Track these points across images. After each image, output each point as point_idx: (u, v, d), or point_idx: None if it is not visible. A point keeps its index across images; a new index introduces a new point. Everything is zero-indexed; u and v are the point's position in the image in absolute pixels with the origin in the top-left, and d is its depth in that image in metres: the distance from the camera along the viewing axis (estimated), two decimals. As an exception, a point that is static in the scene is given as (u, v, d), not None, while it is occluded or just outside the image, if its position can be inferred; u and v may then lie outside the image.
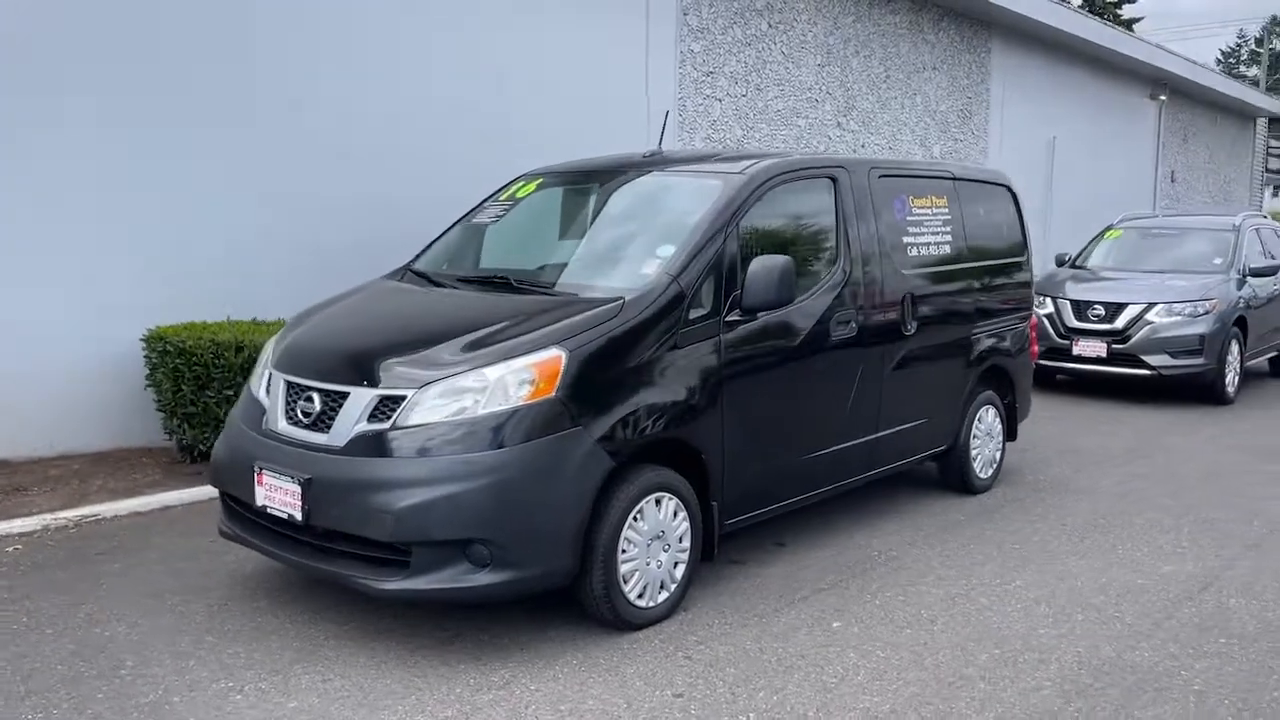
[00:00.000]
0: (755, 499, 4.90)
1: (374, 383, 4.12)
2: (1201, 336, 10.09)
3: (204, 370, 6.53)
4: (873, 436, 5.67)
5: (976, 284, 6.48)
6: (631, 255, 4.87)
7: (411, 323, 4.65)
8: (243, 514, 4.53)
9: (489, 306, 4.59)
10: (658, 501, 4.35)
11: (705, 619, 4.49)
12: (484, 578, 3.90)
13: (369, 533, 3.93)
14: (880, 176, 5.77)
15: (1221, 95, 23.57)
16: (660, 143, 5.69)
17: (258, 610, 4.53)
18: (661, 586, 4.41)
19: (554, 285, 4.72)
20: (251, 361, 6.50)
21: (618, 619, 4.26)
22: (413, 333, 4.50)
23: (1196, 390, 10.38)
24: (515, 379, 4.00)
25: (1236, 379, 10.65)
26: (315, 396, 4.25)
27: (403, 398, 4.04)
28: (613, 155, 5.85)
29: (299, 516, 4.09)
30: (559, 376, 4.04)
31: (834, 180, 5.40)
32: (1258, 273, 11.15)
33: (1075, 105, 18.53)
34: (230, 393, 6.46)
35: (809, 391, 5.13)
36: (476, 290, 4.87)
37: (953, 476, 6.58)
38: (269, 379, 4.58)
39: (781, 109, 12.45)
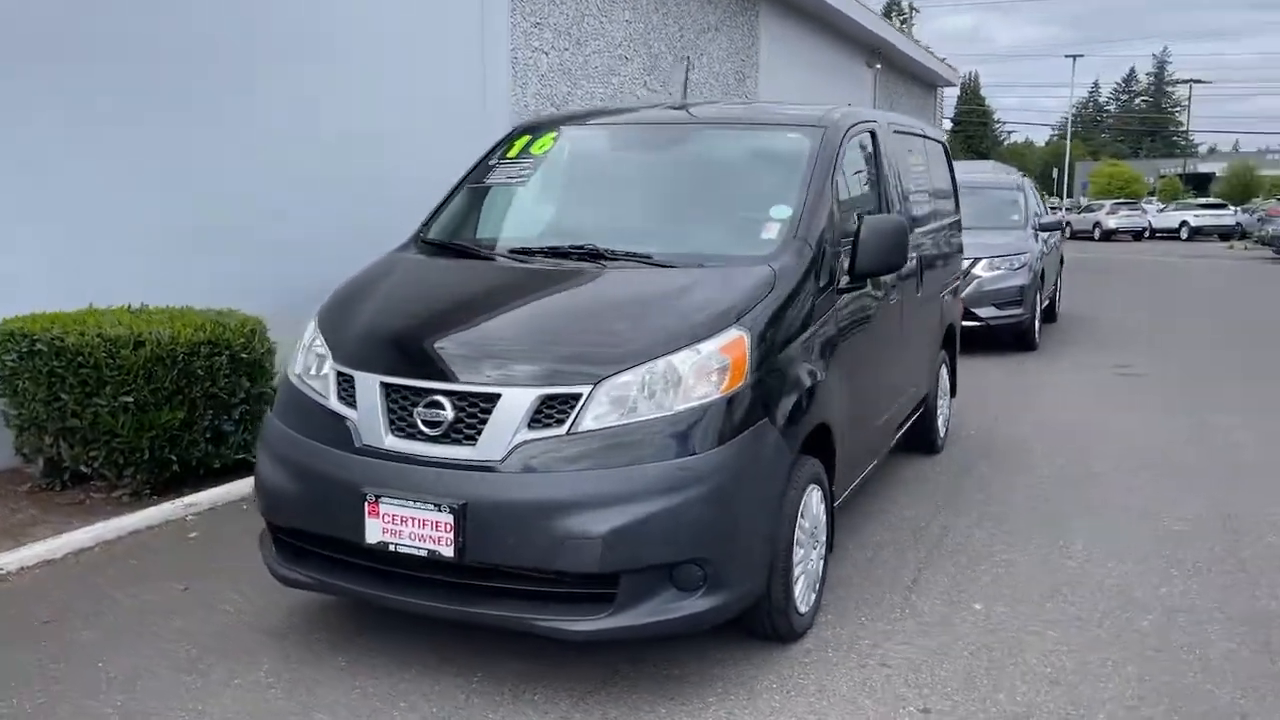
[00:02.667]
0: (845, 478, 4.55)
1: (533, 380, 3.35)
2: (1021, 288, 10.81)
3: (93, 372, 5.20)
4: (899, 402, 5.51)
5: (944, 244, 6.45)
6: (739, 218, 4.32)
7: (539, 307, 3.84)
8: (325, 555, 3.58)
9: (616, 284, 3.89)
10: (810, 494, 3.90)
11: (843, 618, 4.10)
12: (696, 604, 3.29)
13: (564, 565, 3.19)
14: (895, 132, 5.55)
15: (916, 64, 25.57)
16: (684, 93, 5.11)
17: (349, 675, 3.61)
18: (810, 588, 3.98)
19: (655, 256, 4.03)
20: (156, 360, 5.27)
21: (790, 631, 3.79)
22: (551, 318, 3.72)
23: (1012, 339, 11.11)
24: (707, 367, 3.39)
25: (1039, 326, 11.53)
26: (445, 401, 3.39)
27: (575, 396, 3.30)
28: (638, 108, 5.22)
29: (448, 553, 3.26)
30: (746, 360, 3.47)
31: (873, 135, 5.09)
32: (1045, 227, 12.11)
33: (819, 72, 19.36)
34: (129, 398, 5.20)
35: (875, 359, 4.85)
36: (578, 266, 4.05)
37: (920, 438, 6.54)
38: (339, 381, 3.63)
39: (599, 65, 11.95)
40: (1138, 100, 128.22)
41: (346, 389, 3.61)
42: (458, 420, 3.37)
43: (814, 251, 4.00)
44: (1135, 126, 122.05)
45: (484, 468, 3.29)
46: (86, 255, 6.16)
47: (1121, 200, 47.56)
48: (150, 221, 6.54)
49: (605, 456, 3.25)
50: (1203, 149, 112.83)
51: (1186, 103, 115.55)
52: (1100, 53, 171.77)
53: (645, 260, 4.01)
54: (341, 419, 3.56)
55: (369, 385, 3.53)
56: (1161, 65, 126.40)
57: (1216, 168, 75.34)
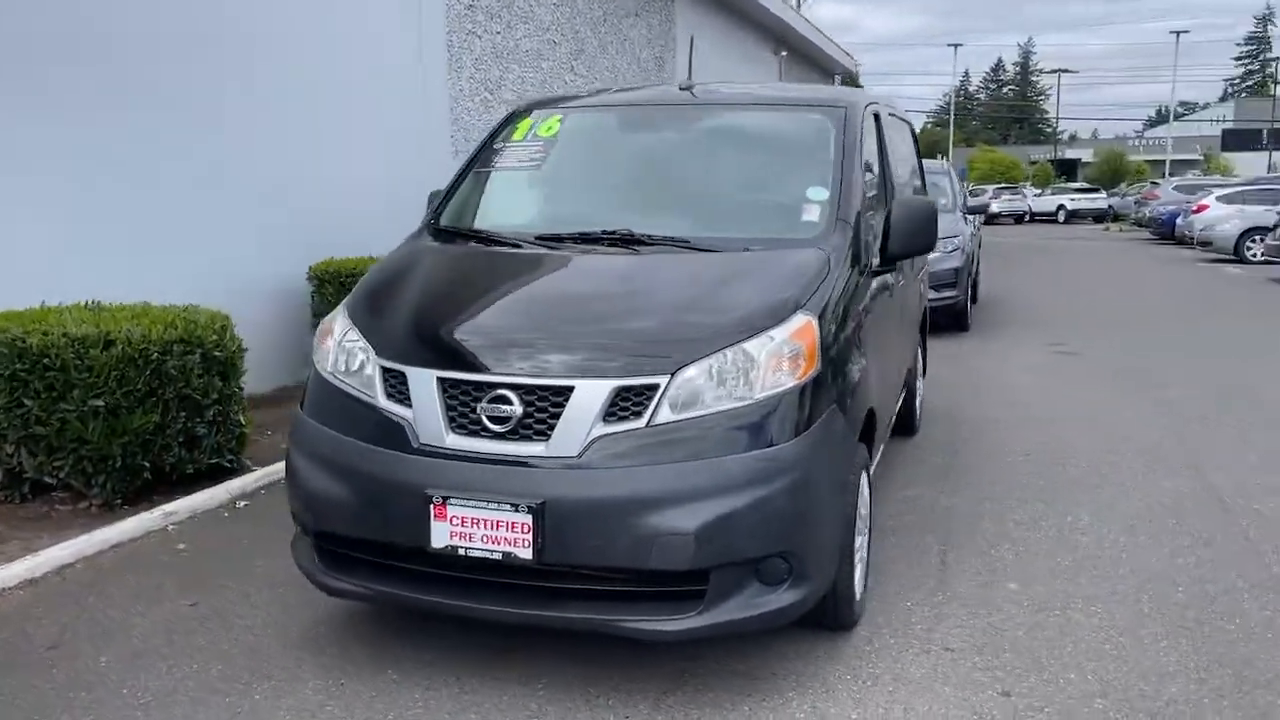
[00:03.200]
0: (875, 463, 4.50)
1: (608, 372, 3.19)
2: (955, 270, 11.02)
3: (60, 375, 4.81)
4: (901, 385, 5.54)
5: (920, 225, 6.46)
6: (774, 200, 4.22)
7: (594, 295, 3.66)
8: (377, 562, 3.36)
9: (667, 270, 3.75)
10: (863, 480, 3.84)
11: (886, 603, 4.05)
12: (781, 598, 3.20)
13: (655, 563, 3.05)
14: (889, 113, 5.53)
15: (817, 51, 25.90)
16: (690, 72, 4.95)
17: (405, 688, 3.39)
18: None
19: (692, 240, 3.89)
20: (128, 360, 4.91)
21: (851, 619, 3.74)
22: (611, 306, 3.54)
23: (948, 320, 11.30)
24: (780, 353, 3.28)
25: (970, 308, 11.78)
26: (513, 396, 3.21)
27: (652, 387, 3.16)
28: (644, 88, 5.06)
29: (526, 555, 3.08)
30: (816, 346, 3.38)
31: (876, 117, 5.05)
32: (972, 210, 12.37)
33: (732, 58, 19.43)
34: (100, 402, 4.83)
35: (890, 342, 4.83)
36: (619, 252, 3.88)
37: (900, 419, 6.55)
38: (386, 378, 3.40)
39: (529, 49, 11.70)
40: (1005, 89, 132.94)
41: (396, 386, 3.38)
42: (527, 415, 3.19)
43: (853, 233, 3.94)
44: (1004, 114, 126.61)
45: (561, 465, 3.12)
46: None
47: (1003, 185, 49.28)
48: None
49: (688, 449, 3.12)
50: (1065, 136, 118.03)
51: (1050, 91, 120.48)
52: (970, 42, 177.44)
53: (683, 245, 3.88)
54: (393, 418, 3.34)
55: (424, 382, 3.32)
56: (1027, 55, 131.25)
57: (1083, 154, 78.74)
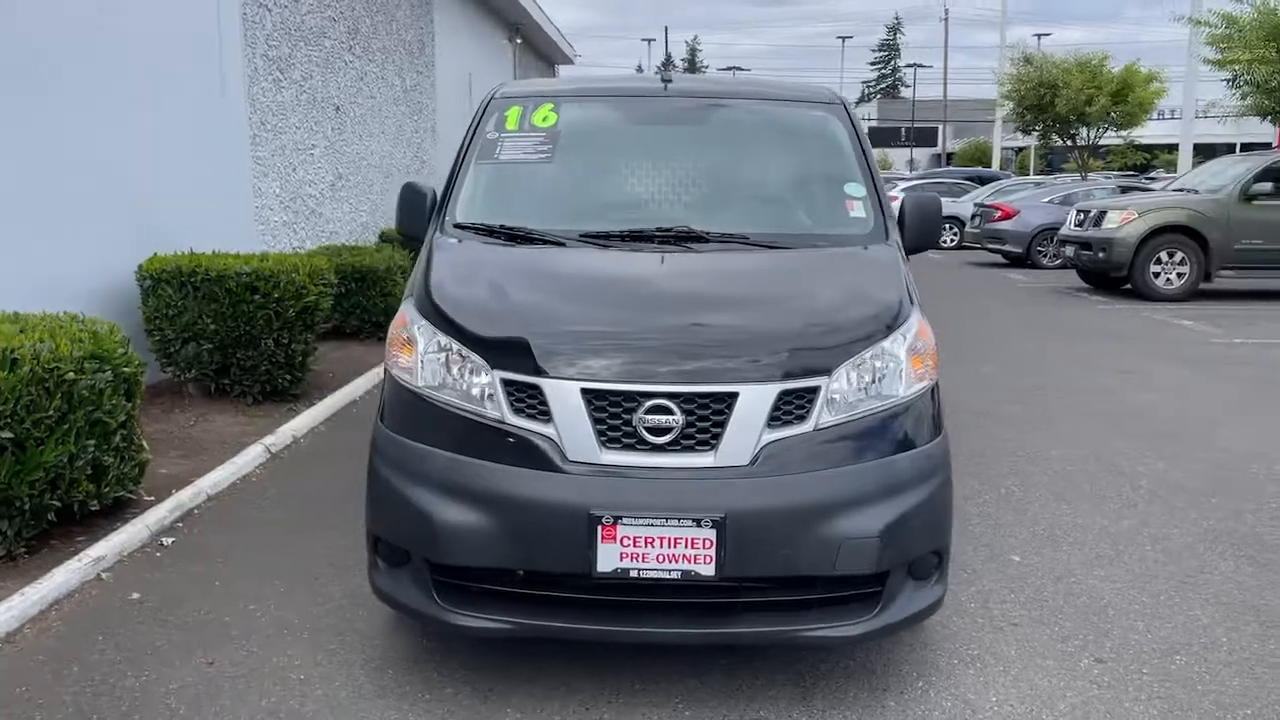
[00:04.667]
0: None
1: (770, 376, 3.08)
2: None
3: (-38, 403, 3.98)
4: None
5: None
6: (814, 196, 4.21)
7: (710, 296, 3.46)
8: (514, 593, 3.07)
9: (762, 269, 3.65)
10: None
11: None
12: (932, 593, 3.25)
13: (843, 568, 2.99)
14: None
15: (545, 39, 25.94)
16: (666, 63, 4.81)
17: (544, 726, 3.12)
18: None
19: (750, 236, 3.82)
20: (37, 381, 4.15)
21: (939, 605, 3.84)
22: (739, 308, 3.38)
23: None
24: (918, 352, 3.32)
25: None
26: (673, 405, 3.02)
27: (814, 390, 3.10)
28: (630, 80, 4.85)
29: (708, 571, 2.93)
30: (934, 343, 3.45)
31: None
32: None
33: (480, 41, 19.07)
34: (9, 434, 4.05)
35: None
36: (697, 250, 3.72)
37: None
38: (511, 392, 3.10)
39: (313, 26, 10.90)
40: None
41: (526, 400, 3.09)
42: (689, 425, 3.02)
43: (896, 232, 4.03)
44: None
45: (734, 475, 2.99)
46: None
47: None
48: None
49: (855, 450, 3.09)
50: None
51: None
52: (633, 36, 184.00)
53: (743, 241, 3.81)
54: (528, 435, 3.05)
55: (566, 395, 3.04)
56: (693, 52, 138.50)
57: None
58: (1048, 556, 4.55)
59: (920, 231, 4.20)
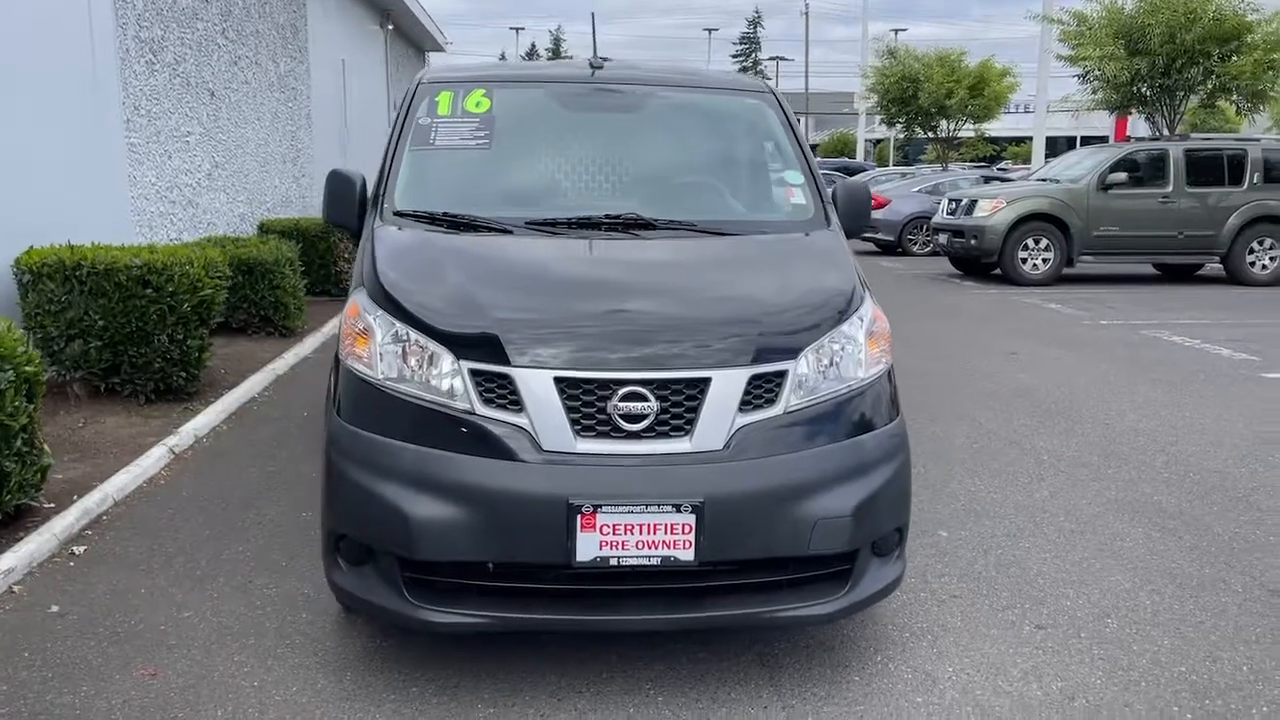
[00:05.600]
0: None
1: (741, 361, 3.10)
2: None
3: None
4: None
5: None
6: (753, 184, 4.26)
7: (670, 281, 3.45)
8: (484, 587, 3.02)
9: (717, 255, 3.67)
10: None
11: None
12: (893, 570, 3.34)
13: (816, 548, 3.05)
14: None
15: (418, 27, 25.42)
16: (595, 48, 4.76)
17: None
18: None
19: (697, 223, 3.85)
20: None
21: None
22: (700, 293, 3.38)
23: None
24: (872, 333, 3.40)
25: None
26: (647, 392, 3.01)
27: (782, 374, 3.14)
28: (559, 65, 4.78)
29: (687, 556, 2.94)
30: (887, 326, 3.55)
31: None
32: None
33: (350, 25, 18.56)
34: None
35: None
36: (649, 237, 3.72)
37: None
38: (480, 382, 3.03)
39: (185, 7, 10.41)
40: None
41: (497, 390, 3.03)
42: (664, 412, 3.03)
43: (838, 216, 4.12)
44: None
45: (709, 459, 3.00)
46: None
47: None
48: None
49: (822, 432, 3.15)
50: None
51: None
52: (496, 25, 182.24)
53: (690, 229, 3.84)
54: (498, 426, 2.99)
55: (538, 383, 3.00)
56: (558, 41, 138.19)
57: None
58: (972, 530, 4.72)
59: (852, 216, 4.28)
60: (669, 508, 2.91)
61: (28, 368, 4.38)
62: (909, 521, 3.38)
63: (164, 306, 6.48)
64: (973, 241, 14.49)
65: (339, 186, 4.12)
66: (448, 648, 3.46)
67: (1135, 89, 18.21)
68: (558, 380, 3.01)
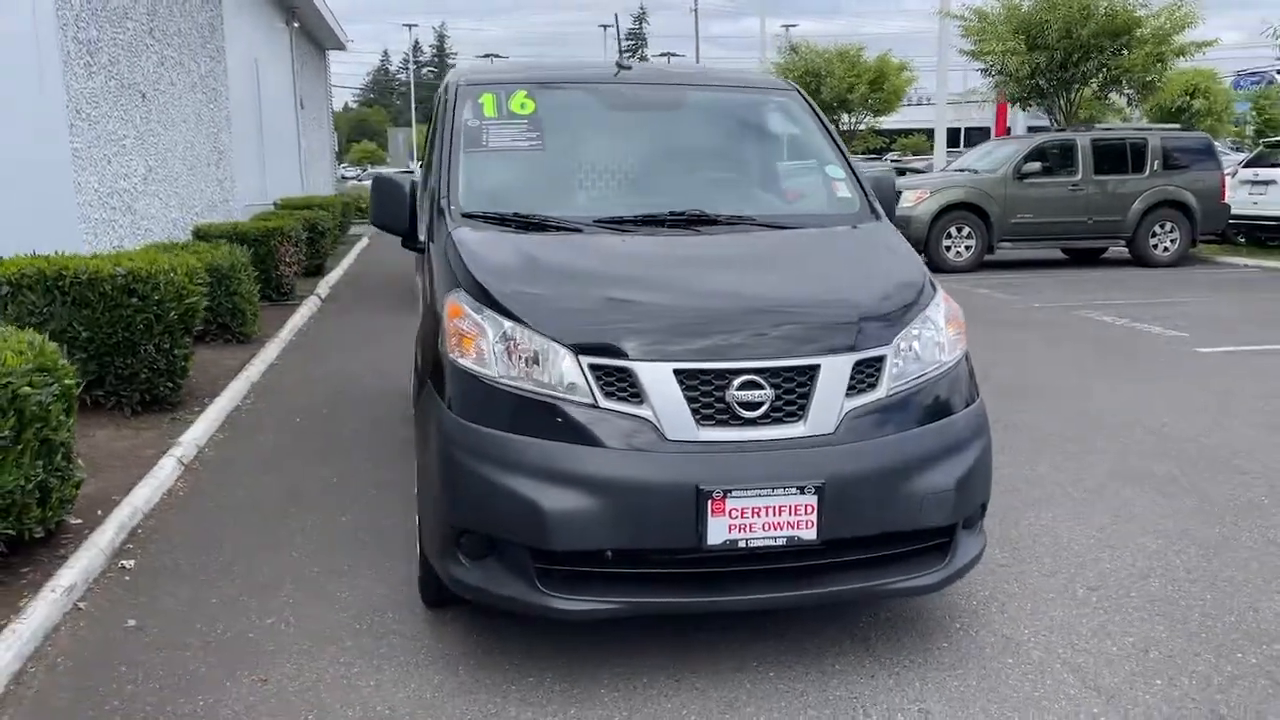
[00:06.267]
0: None
1: (845, 347, 3.26)
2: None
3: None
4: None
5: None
6: (799, 178, 4.42)
7: (762, 274, 3.58)
8: (622, 574, 3.13)
9: (793, 248, 3.83)
10: None
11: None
12: (980, 540, 3.55)
13: (925, 521, 3.24)
14: None
15: (320, 23, 24.90)
16: (620, 49, 4.88)
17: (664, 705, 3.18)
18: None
19: (756, 218, 4.03)
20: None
21: None
22: (793, 284, 3.54)
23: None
24: (953, 319, 3.61)
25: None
26: (762, 380, 3.15)
27: (881, 358, 3.31)
28: (589, 66, 4.87)
29: (810, 536, 3.10)
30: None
31: None
32: None
33: (260, 25, 18.12)
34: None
35: None
36: (716, 232, 3.87)
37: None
38: (602, 376, 3.13)
39: (117, 7, 10.09)
40: (425, 70, 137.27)
41: (616, 383, 3.13)
42: (777, 398, 3.17)
43: (880, 207, 4.32)
44: (427, 95, 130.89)
45: (823, 442, 3.16)
46: None
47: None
48: None
49: (921, 412, 3.33)
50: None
51: None
52: (387, 21, 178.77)
53: (750, 222, 4.00)
54: (623, 417, 3.10)
55: (659, 375, 3.11)
56: (441, 38, 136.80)
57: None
58: (994, 503, 4.90)
59: (883, 206, 4.50)
60: (793, 490, 3.06)
61: (66, 380, 4.27)
62: (989, 496, 3.59)
63: (150, 315, 6.33)
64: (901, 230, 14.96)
65: (387, 191, 4.16)
66: (548, 637, 3.54)
67: (1035, 82, 19.01)
68: (677, 372, 3.12)
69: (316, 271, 14.57)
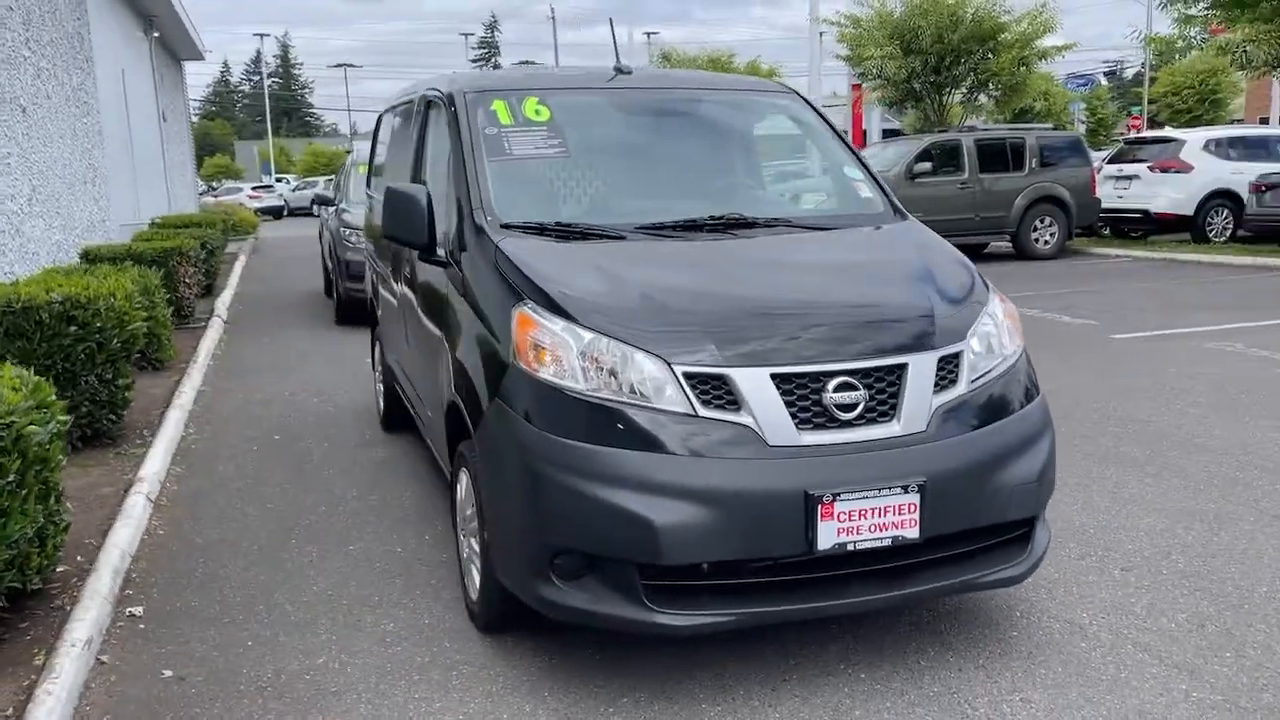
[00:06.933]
0: None
1: (924, 345, 3.28)
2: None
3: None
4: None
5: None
6: (820, 179, 4.43)
7: (825, 276, 3.59)
8: (726, 586, 3.07)
9: (840, 246, 3.84)
10: None
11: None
12: (1047, 532, 3.60)
13: (1013, 513, 3.29)
14: None
15: (180, 33, 23.82)
16: (617, 54, 4.79)
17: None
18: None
19: (792, 219, 4.02)
20: None
21: None
22: (862, 284, 3.57)
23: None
24: (1010, 314, 3.68)
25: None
26: (856, 381, 3.14)
27: (958, 355, 3.35)
28: (586, 71, 4.77)
29: (913, 534, 3.10)
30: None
31: None
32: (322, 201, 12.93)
33: (119, 35, 17.23)
34: (-22, 507, 3.36)
35: None
36: (732, 236, 3.83)
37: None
38: (697, 385, 3.06)
39: None
40: (270, 81, 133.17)
41: (714, 391, 3.07)
42: (870, 398, 3.17)
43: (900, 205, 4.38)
44: (274, 106, 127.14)
45: (917, 440, 3.17)
46: None
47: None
48: None
49: (999, 404, 3.37)
50: (332, 128, 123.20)
51: (313, 84, 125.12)
52: (224, 31, 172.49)
53: (786, 224, 3.99)
54: (723, 425, 3.04)
55: (757, 381, 3.06)
56: (285, 48, 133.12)
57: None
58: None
59: None
60: (897, 489, 3.06)
61: (61, 417, 3.94)
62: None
63: (92, 344, 5.92)
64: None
65: (402, 203, 4.00)
66: (620, 654, 3.46)
67: (910, 85, 19.71)
68: (774, 376, 3.08)
69: (207, 292, 13.91)
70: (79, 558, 4.41)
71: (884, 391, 3.18)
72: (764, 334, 3.19)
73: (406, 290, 4.93)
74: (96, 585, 4.05)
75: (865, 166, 4.42)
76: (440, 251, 4.06)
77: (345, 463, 5.94)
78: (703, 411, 3.05)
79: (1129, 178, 17.14)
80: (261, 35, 69.08)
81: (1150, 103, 43.72)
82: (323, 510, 5.14)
